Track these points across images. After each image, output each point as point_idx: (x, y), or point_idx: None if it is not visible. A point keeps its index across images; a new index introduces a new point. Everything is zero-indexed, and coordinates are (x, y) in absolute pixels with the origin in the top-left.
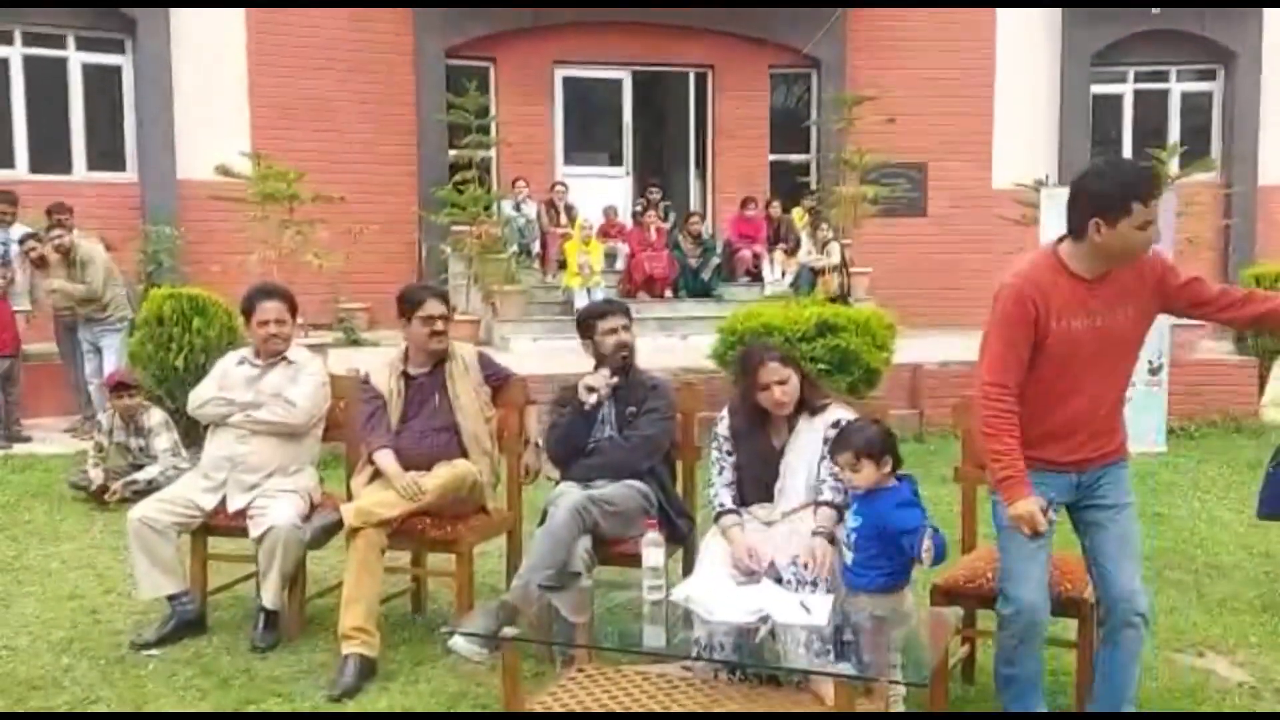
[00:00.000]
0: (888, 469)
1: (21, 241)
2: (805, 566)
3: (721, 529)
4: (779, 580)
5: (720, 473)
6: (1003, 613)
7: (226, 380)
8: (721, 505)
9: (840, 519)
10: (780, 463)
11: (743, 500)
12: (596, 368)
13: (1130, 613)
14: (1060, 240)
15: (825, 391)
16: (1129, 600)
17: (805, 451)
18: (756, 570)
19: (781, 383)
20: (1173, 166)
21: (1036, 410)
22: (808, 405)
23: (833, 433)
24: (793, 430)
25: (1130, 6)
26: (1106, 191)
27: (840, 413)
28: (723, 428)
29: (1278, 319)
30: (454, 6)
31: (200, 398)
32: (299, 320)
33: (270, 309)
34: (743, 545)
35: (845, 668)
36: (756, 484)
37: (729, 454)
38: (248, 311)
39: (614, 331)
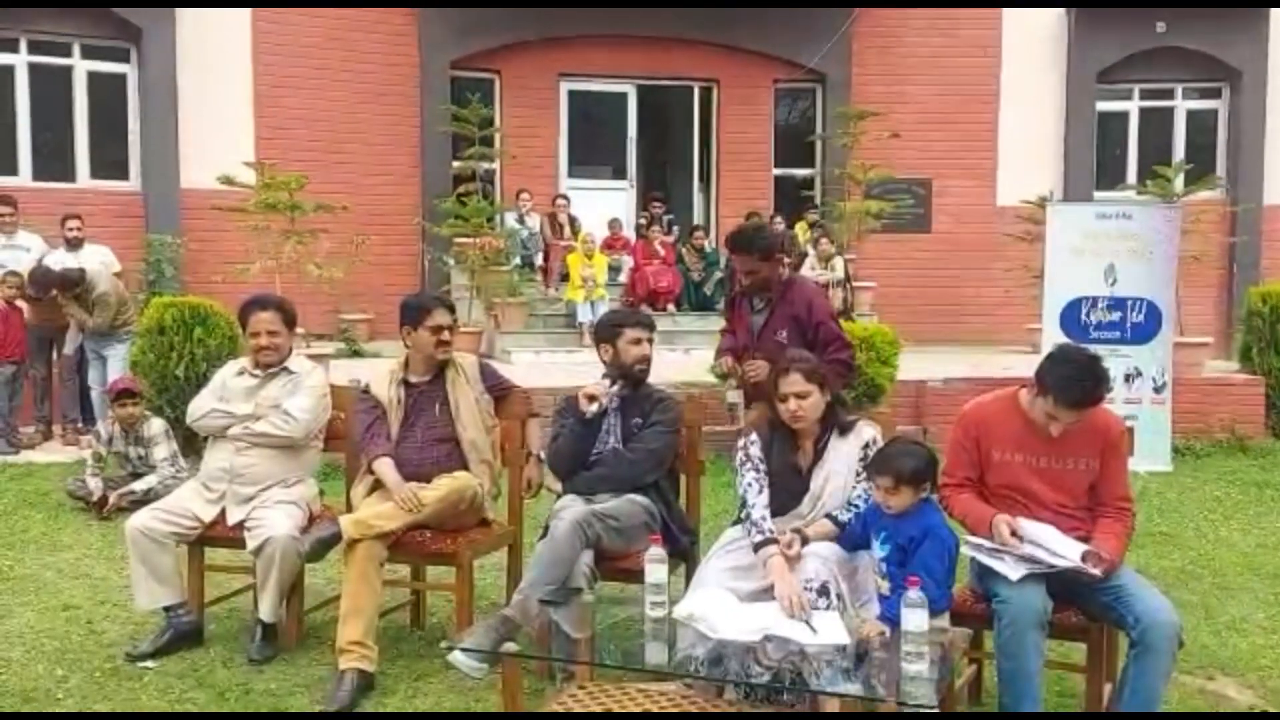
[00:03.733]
0: (925, 493)
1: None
2: (818, 591)
3: (763, 561)
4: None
5: (760, 492)
6: (995, 606)
7: (226, 391)
8: (764, 534)
9: (837, 536)
10: (805, 483)
11: None
12: (605, 376)
13: (1161, 623)
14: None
15: (851, 409)
16: (1156, 613)
17: (839, 473)
18: (799, 616)
19: (800, 396)
20: (1178, 184)
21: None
22: (836, 425)
23: (865, 453)
24: (821, 451)
25: (1137, 6)
26: (1041, 374)
27: (870, 431)
28: (755, 449)
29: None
30: (459, 7)
31: (199, 410)
32: (298, 331)
33: (263, 320)
34: (790, 586)
35: (853, 688)
36: (778, 500)
37: (766, 474)
38: (242, 323)
39: (638, 343)
